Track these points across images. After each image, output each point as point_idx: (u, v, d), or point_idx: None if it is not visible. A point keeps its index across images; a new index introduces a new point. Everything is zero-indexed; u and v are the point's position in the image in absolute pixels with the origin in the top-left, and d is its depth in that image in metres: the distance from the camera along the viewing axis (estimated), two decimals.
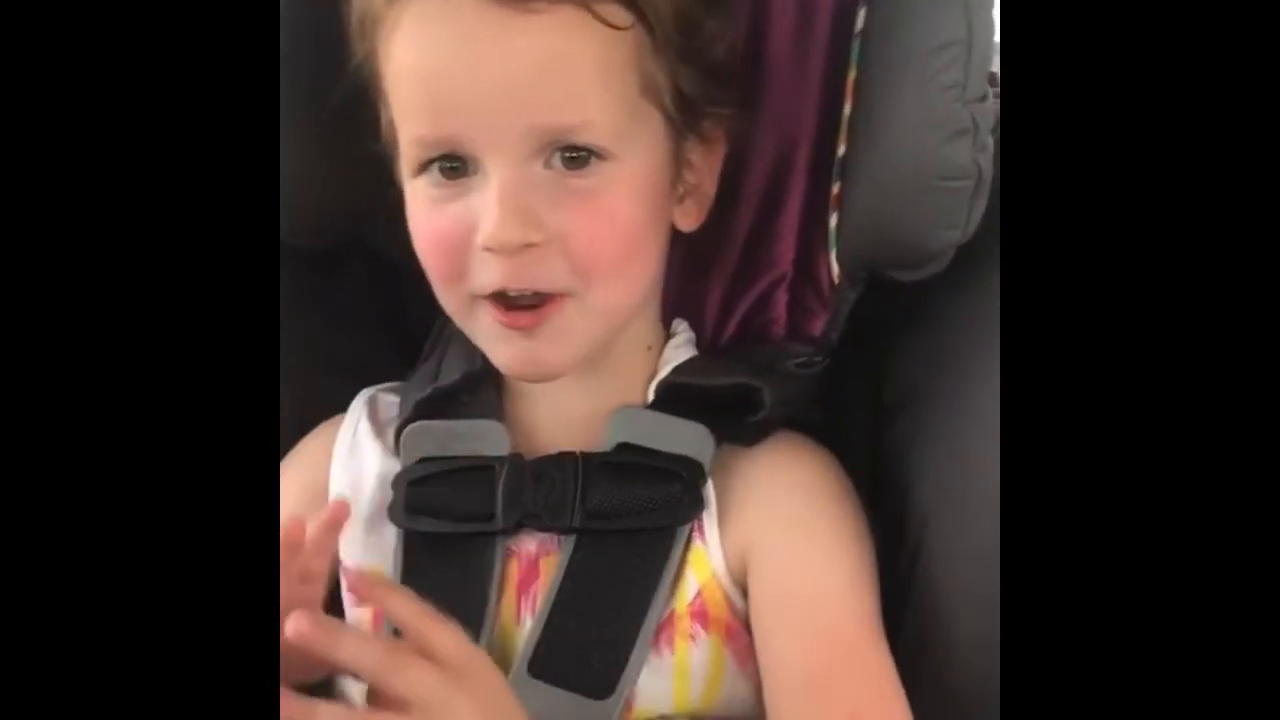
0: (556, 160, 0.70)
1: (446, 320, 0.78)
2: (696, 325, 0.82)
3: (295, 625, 0.59)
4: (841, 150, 0.78)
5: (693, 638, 0.73)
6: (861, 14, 0.77)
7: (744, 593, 0.74)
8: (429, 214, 0.72)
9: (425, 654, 0.61)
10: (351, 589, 0.64)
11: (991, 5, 0.73)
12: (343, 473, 0.80)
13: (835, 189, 0.78)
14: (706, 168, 0.77)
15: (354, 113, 0.76)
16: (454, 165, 0.71)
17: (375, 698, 0.62)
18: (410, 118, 0.72)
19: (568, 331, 0.72)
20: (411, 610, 0.63)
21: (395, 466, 0.78)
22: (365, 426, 0.81)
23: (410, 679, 0.60)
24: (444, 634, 0.63)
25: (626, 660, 0.71)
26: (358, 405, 0.83)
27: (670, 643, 0.73)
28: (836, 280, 0.80)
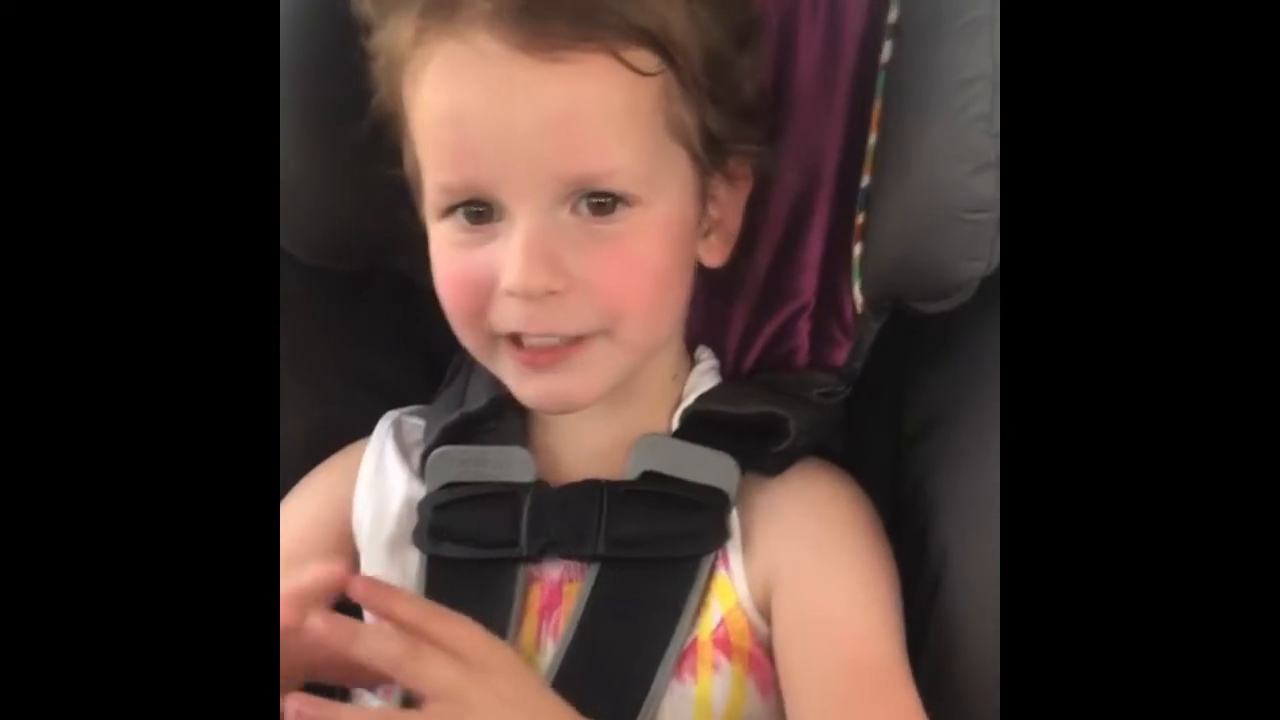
0: (583, 206, 0.70)
1: None
2: (718, 353, 0.82)
3: (312, 623, 0.60)
4: (866, 181, 0.78)
5: (715, 666, 0.73)
6: (888, 46, 0.77)
7: (768, 621, 0.74)
8: (453, 257, 0.72)
9: (445, 650, 0.62)
10: (354, 596, 0.64)
11: None
12: (368, 496, 0.80)
13: (859, 219, 0.79)
14: (731, 204, 0.77)
15: (379, 140, 0.76)
16: (479, 210, 0.71)
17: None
18: (436, 163, 0.71)
19: (592, 366, 0.72)
20: (420, 610, 0.63)
21: (420, 491, 0.78)
22: (391, 450, 0.81)
23: (429, 671, 0.61)
24: (460, 628, 0.63)
25: (649, 688, 0.71)
26: (383, 428, 0.83)
27: (693, 671, 0.73)
28: (860, 310, 0.80)
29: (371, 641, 0.61)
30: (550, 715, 0.64)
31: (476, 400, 0.80)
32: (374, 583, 0.65)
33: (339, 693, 0.79)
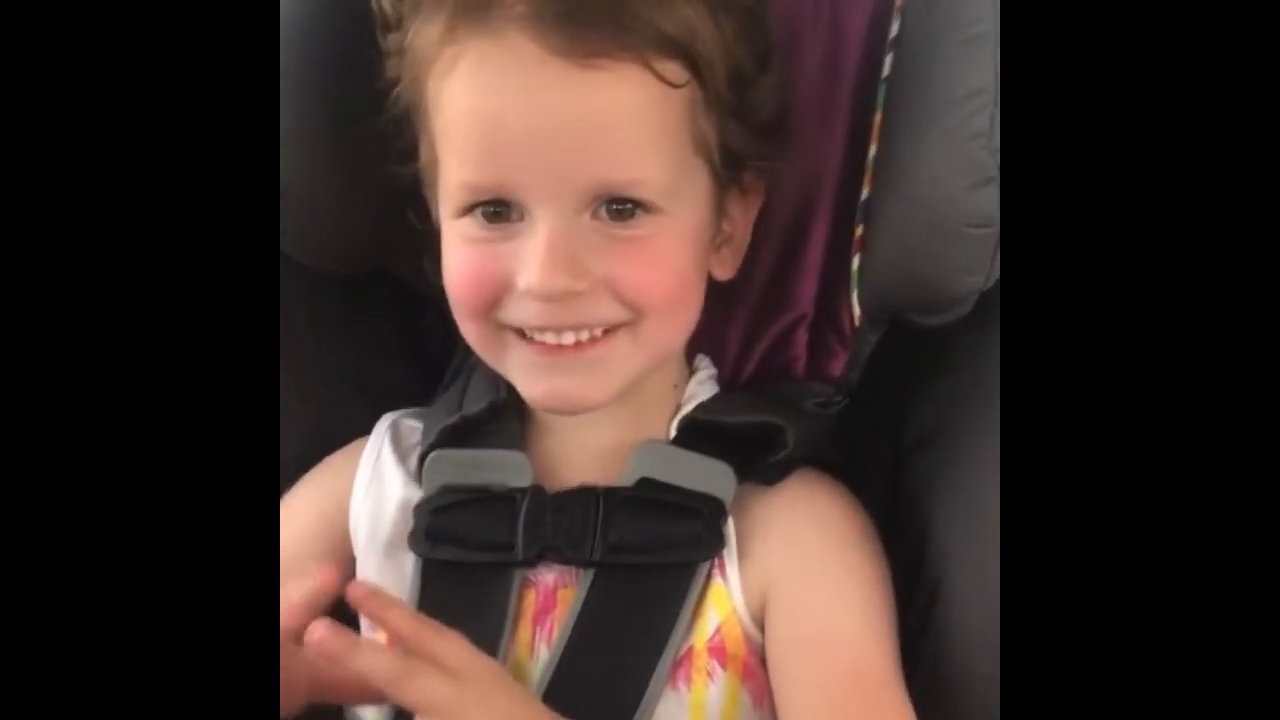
0: (604, 211, 0.70)
1: (469, 348, 0.78)
2: (717, 361, 0.82)
3: (313, 634, 0.60)
4: (865, 193, 0.78)
5: (710, 675, 0.73)
6: (889, 59, 0.78)
7: (763, 630, 0.74)
8: (468, 253, 0.72)
9: (436, 665, 0.62)
10: (351, 601, 0.64)
11: None
12: (364, 498, 0.80)
13: (858, 231, 0.79)
14: (743, 218, 0.78)
15: (384, 143, 0.76)
16: (498, 210, 0.71)
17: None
18: (461, 162, 0.71)
19: (607, 365, 0.72)
20: (411, 623, 0.63)
21: (417, 493, 0.78)
22: (388, 452, 0.81)
23: (421, 686, 0.61)
24: (448, 644, 0.63)
25: (643, 695, 0.71)
26: (380, 431, 0.83)
27: (688, 679, 0.73)
28: (858, 322, 0.80)
29: (367, 655, 0.61)
30: None
31: (476, 404, 0.79)
32: (371, 590, 0.65)
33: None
